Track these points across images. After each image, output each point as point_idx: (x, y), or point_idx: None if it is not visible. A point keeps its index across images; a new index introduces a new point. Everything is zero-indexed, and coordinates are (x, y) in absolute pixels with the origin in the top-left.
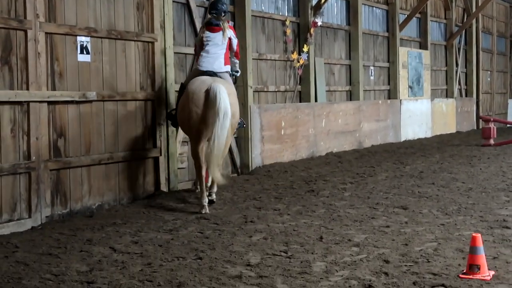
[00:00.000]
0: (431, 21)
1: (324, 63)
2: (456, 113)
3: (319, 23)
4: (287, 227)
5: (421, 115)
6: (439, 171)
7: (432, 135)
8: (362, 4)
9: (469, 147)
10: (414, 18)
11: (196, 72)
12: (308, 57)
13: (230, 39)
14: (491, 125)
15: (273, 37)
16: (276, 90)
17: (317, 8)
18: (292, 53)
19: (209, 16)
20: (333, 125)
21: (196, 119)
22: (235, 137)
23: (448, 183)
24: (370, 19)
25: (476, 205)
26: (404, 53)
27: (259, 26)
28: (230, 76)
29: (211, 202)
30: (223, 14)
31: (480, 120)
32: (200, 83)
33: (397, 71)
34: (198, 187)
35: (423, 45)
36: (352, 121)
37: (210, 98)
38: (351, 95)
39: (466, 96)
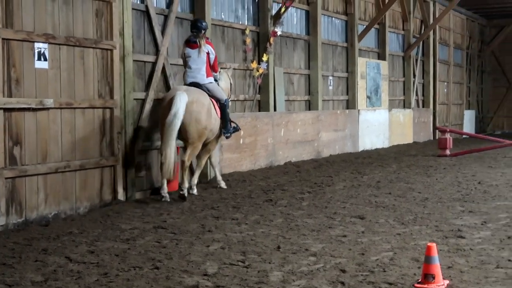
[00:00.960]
0: (390, 32)
1: (284, 73)
2: (413, 124)
3: (279, 33)
4: (244, 236)
5: (379, 125)
6: (396, 181)
7: (390, 145)
8: (322, 14)
9: (425, 157)
10: (372, 29)
11: (183, 85)
12: (268, 66)
13: (208, 53)
14: (447, 135)
15: (232, 46)
16: (236, 99)
17: (277, 17)
18: (252, 62)
19: (190, 34)
20: (292, 134)
21: (162, 120)
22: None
23: (405, 193)
24: (330, 29)
25: (432, 215)
26: (362, 64)
27: (219, 35)
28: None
29: (181, 197)
30: (202, 32)
31: (437, 130)
32: (172, 91)
33: (356, 82)
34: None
35: (381, 56)
36: (311, 130)
37: (171, 103)
38: (310, 105)
39: (423, 106)
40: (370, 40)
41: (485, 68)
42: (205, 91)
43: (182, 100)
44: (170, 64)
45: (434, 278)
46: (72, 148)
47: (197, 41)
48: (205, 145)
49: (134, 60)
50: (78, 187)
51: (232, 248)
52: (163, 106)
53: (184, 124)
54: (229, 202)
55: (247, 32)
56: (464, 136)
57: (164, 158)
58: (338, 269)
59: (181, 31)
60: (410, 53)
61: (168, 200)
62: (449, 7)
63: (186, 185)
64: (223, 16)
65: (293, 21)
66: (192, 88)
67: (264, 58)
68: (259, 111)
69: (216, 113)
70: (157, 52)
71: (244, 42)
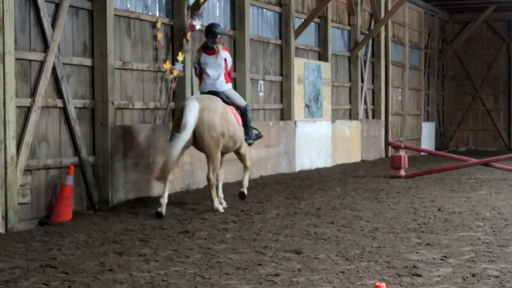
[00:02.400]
0: (333, 27)
1: None
2: (361, 138)
3: (198, 27)
4: (154, 276)
5: (320, 140)
6: (340, 207)
7: (333, 164)
8: (250, 4)
9: (375, 179)
10: (312, 23)
11: (200, 94)
12: (184, 67)
13: (225, 60)
14: (402, 152)
15: (140, 42)
16: (144, 107)
17: (195, 8)
18: (164, 62)
19: (206, 39)
20: None
21: (174, 130)
22: (93, 165)
23: (350, 222)
24: (260, 23)
25: (383, 248)
26: (300, 65)
27: (123, 28)
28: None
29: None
30: (218, 37)
31: (389, 146)
32: (187, 99)
33: (292, 87)
34: None
35: (322, 56)
36: None
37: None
38: None
39: (373, 117)
40: (309, 37)
41: (447, 71)
42: (223, 98)
43: (193, 109)
44: (63, 63)
45: None
46: None
47: (215, 47)
48: (241, 159)
49: (16, 59)
50: None
51: None
52: (175, 117)
53: (199, 133)
54: (136, 234)
55: (158, 25)
56: (422, 153)
57: (168, 157)
58: None
59: (76, 22)
60: (358, 53)
61: (163, 213)
62: None
63: (219, 204)
64: (128, 6)
65: (215, 12)
66: (203, 95)
67: (180, 57)
68: None
69: (237, 119)
70: (46, 48)
71: (155, 37)
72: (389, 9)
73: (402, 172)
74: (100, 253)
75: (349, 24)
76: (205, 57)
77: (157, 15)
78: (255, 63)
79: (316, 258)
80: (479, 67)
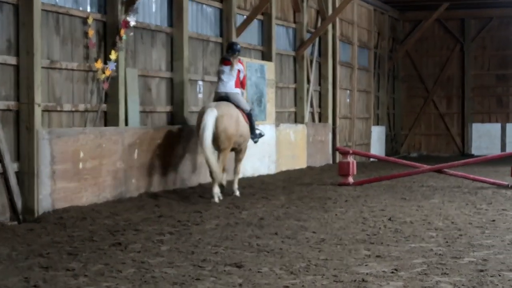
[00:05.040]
0: (277, 25)
1: (138, 76)
2: (307, 143)
3: (132, 23)
4: None
5: (263, 146)
6: (284, 217)
7: (277, 171)
8: (189, 0)
9: (322, 186)
10: (255, 20)
11: (215, 94)
12: (117, 67)
13: (239, 71)
14: (350, 158)
15: (70, 40)
16: (74, 109)
17: (130, 3)
18: (96, 61)
19: (226, 53)
20: (150, 157)
21: (197, 135)
22: (17, 172)
23: (295, 233)
24: (199, 19)
25: (330, 261)
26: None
27: (51, 24)
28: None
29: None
30: (236, 53)
31: (337, 152)
32: (206, 106)
33: None
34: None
35: (266, 56)
36: (175, 152)
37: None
38: (173, 118)
39: (320, 121)
40: (252, 35)
41: (398, 72)
42: (232, 102)
43: (211, 115)
44: None
45: None
46: None
47: (230, 59)
48: (236, 153)
49: None
50: None
51: None
52: (197, 123)
53: (215, 134)
54: (64, 247)
55: (90, 21)
56: (371, 159)
57: (211, 167)
58: None
59: (0, 17)
60: (304, 53)
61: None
62: None
63: (217, 192)
64: (57, 0)
65: (151, 8)
66: (221, 102)
67: (113, 56)
68: (105, 125)
69: (245, 119)
70: None
71: (86, 34)
72: (337, 6)
73: (351, 180)
74: (25, 267)
75: (294, 22)
76: (222, 67)
77: (89, 10)
78: (194, 62)
79: (258, 272)
80: (431, 68)
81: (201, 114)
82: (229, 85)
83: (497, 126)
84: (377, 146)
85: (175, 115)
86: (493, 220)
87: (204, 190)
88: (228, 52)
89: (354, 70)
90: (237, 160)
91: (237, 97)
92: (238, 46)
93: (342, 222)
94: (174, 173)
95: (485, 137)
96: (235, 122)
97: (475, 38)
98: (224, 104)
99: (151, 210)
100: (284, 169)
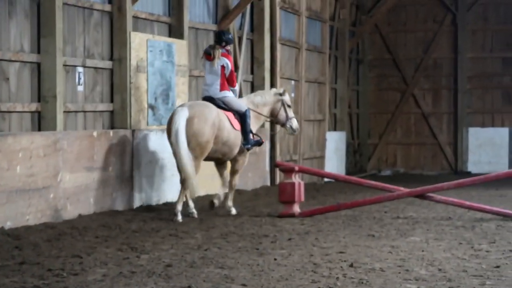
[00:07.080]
0: None
1: None
2: None
3: None
4: None
5: (172, 160)
6: (202, 264)
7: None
8: None
9: (256, 218)
10: None
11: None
12: None
13: (223, 67)
14: (296, 178)
15: None
16: None
17: None
18: None
19: (208, 45)
20: (5, 176)
21: (168, 138)
22: None
23: (217, 286)
24: None
25: None
26: (140, 44)
27: None
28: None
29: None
30: (222, 44)
31: (277, 169)
32: (178, 106)
33: (128, 78)
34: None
35: (175, 30)
36: (43, 169)
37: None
38: (40, 120)
39: None
40: (154, 2)
41: (364, 55)
42: (220, 105)
43: (182, 116)
44: None
45: None
46: None
47: (211, 52)
48: (231, 163)
49: None
50: None
51: None
52: (168, 127)
53: (188, 138)
54: None
55: None
56: (326, 179)
57: (186, 173)
58: None
59: None
60: (229, 26)
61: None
62: None
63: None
64: None
65: None
66: (197, 102)
67: None
68: None
69: (233, 124)
70: None
71: None
72: None
73: (296, 209)
74: None
75: None
76: (205, 63)
77: None
78: (71, 40)
79: None
80: (411, 49)
81: (171, 116)
82: (212, 89)
83: (504, 131)
84: (334, 161)
85: (43, 116)
86: (497, 267)
87: (87, 225)
88: (214, 42)
89: (302, 52)
90: (232, 172)
91: (226, 100)
92: (228, 36)
93: (283, 270)
94: (43, 198)
95: (486, 147)
96: (210, 127)
97: (473, 5)
98: (200, 104)
99: (9, 253)
100: (201, 193)
